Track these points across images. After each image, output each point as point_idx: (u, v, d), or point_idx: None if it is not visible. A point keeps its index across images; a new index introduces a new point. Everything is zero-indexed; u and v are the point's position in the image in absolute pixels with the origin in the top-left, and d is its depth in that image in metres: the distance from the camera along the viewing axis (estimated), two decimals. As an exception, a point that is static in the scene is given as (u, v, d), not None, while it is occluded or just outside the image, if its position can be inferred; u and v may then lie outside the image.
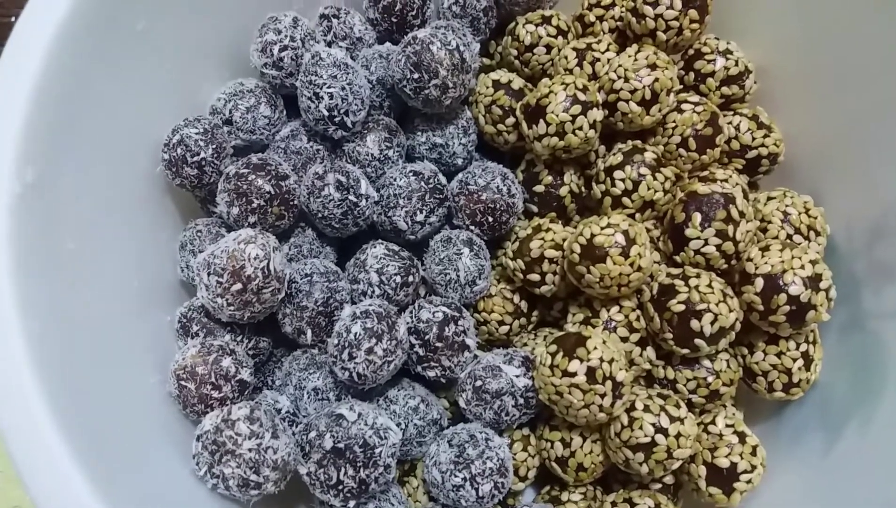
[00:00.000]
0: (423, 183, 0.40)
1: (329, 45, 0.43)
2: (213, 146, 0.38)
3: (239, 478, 0.32)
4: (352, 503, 0.34)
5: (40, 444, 0.27)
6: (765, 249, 0.37)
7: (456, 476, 0.35)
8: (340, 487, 0.33)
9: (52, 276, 0.31)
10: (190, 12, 0.38)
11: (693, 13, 0.40)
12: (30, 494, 0.27)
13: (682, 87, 0.42)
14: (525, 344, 0.41)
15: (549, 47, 0.43)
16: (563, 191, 0.41)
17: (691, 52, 0.42)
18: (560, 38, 0.43)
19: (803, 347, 0.37)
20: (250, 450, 0.32)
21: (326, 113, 0.39)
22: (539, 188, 0.41)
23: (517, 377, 0.37)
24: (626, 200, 0.39)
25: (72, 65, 0.32)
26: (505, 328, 0.41)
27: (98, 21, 0.33)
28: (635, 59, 0.39)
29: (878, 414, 0.35)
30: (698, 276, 0.36)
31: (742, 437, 0.37)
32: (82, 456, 0.27)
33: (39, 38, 0.31)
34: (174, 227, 0.41)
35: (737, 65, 0.41)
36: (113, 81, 0.35)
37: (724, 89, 0.42)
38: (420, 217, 0.40)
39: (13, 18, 0.55)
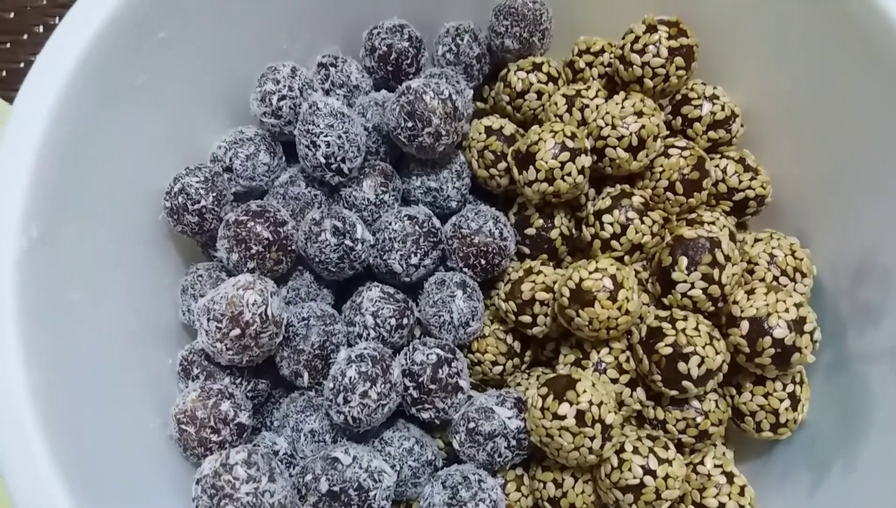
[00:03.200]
0: (417, 227, 0.41)
1: (327, 92, 0.44)
2: (214, 194, 0.39)
3: (237, 522, 0.33)
4: (347, 545, 0.34)
5: (45, 496, 0.28)
6: (750, 292, 0.37)
7: (449, 518, 0.36)
8: (336, 529, 0.34)
9: (56, 327, 0.32)
10: (189, 64, 0.40)
11: (679, 60, 0.41)
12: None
13: (669, 131, 0.43)
14: (518, 384, 0.42)
15: (539, 93, 0.44)
16: (554, 234, 0.42)
17: (678, 97, 0.43)
18: (550, 84, 0.44)
19: (790, 387, 0.38)
20: (248, 494, 0.33)
21: (324, 161, 0.40)
22: (530, 231, 0.42)
23: (509, 418, 0.38)
24: (614, 243, 0.40)
25: (75, 122, 0.33)
26: (499, 368, 0.42)
27: (99, 78, 0.34)
28: (622, 107, 0.40)
29: (862, 455, 0.35)
30: (685, 319, 0.37)
31: (730, 477, 0.37)
32: (85, 505, 0.28)
33: (44, 97, 0.33)
34: (175, 271, 0.42)
35: (723, 109, 0.42)
36: (114, 135, 0.36)
37: (711, 133, 0.43)
38: (415, 260, 0.41)
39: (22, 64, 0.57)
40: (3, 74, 0.59)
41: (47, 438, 0.29)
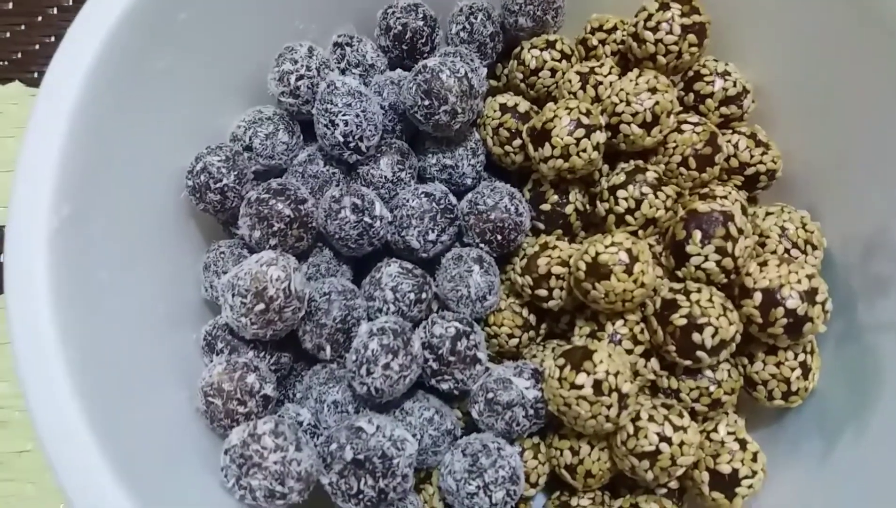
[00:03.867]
0: (434, 204, 0.42)
1: (343, 72, 0.45)
2: (235, 173, 0.40)
3: (265, 489, 0.34)
4: (371, 511, 0.35)
5: (84, 465, 0.29)
6: (763, 264, 0.38)
7: (470, 485, 0.37)
8: (361, 496, 0.35)
9: (86, 304, 0.32)
10: (208, 45, 0.40)
11: (692, 37, 0.41)
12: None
13: (682, 108, 0.44)
14: (534, 356, 0.43)
15: (553, 71, 0.45)
16: (569, 209, 0.43)
17: (691, 73, 0.44)
18: (564, 61, 0.45)
19: (801, 357, 0.39)
20: (275, 463, 0.34)
21: (342, 139, 0.41)
22: (545, 207, 0.43)
23: (527, 388, 0.39)
24: (629, 218, 0.41)
25: (101, 103, 0.34)
26: (514, 341, 0.43)
27: (124, 61, 0.35)
28: (636, 84, 0.41)
29: (873, 423, 0.36)
30: (699, 291, 0.38)
31: (743, 444, 0.38)
32: (122, 474, 0.29)
33: (71, 79, 0.33)
34: (198, 249, 0.42)
35: (735, 85, 0.43)
36: (138, 116, 0.37)
37: (723, 109, 0.43)
38: (432, 236, 0.42)
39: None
40: (19, 55, 0.59)
41: (84, 411, 0.30)
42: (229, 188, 0.40)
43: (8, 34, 0.59)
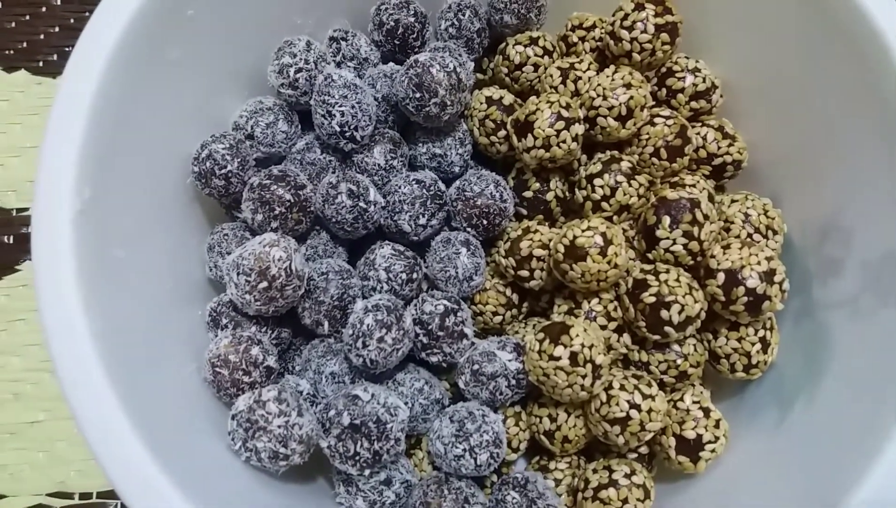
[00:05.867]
0: (424, 190, 0.44)
1: (338, 65, 0.48)
2: (239, 159, 0.43)
3: (270, 451, 0.37)
4: (367, 471, 0.38)
5: (111, 430, 0.32)
6: (726, 247, 0.41)
7: (457, 448, 0.40)
8: (357, 458, 0.38)
9: (107, 281, 0.35)
10: (214, 39, 0.43)
11: (665, 36, 0.44)
12: (102, 466, 0.31)
13: (655, 102, 0.47)
14: (517, 332, 0.46)
15: (536, 66, 0.48)
16: (550, 196, 0.46)
17: (663, 70, 0.47)
18: (546, 57, 0.48)
19: (761, 333, 0.42)
20: (279, 427, 0.37)
21: (338, 129, 0.44)
22: (528, 194, 0.46)
23: (510, 361, 0.42)
24: (604, 204, 0.44)
25: (118, 93, 0.36)
26: (499, 318, 0.46)
27: (139, 53, 0.38)
28: (612, 79, 0.44)
29: (822, 391, 0.39)
30: (668, 271, 0.41)
31: (707, 412, 0.42)
32: (144, 435, 0.32)
33: (90, 71, 0.36)
34: (203, 231, 0.45)
35: (704, 81, 0.46)
36: (151, 105, 0.39)
37: (693, 104, 0.46)
38: (422, 220, 0.45)
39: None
40: (24, 44, 0.61)
41: (107, 373, 0.32)
42: (233, 174, 0.43)
43: (13, 24, 0.61)
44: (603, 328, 0.42)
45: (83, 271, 0.34)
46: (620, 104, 0.43)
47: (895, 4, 0.37)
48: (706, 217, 0.41)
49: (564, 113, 0.43)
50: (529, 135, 0.43)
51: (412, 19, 0.47)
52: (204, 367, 0.40)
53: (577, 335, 0.39)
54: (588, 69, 0.46)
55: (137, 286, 0.38)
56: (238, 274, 0.39)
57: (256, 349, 0.40)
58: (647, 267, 0.42)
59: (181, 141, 0.43)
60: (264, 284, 0.39)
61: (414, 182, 0.45)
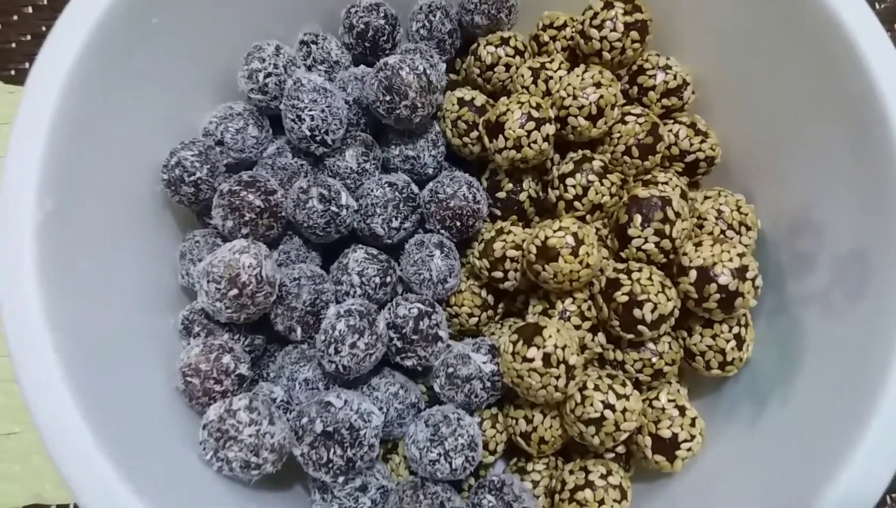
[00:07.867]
0: (397, 193, 0.44)
1: (309, 68, 0.48)
2: (208, 166, 0.43)
3: (241, 461, 0.37)
4: (341, 478, 0.38)
5: (74, 442, 0.31)
6: (698, 244, 0.41)
7: (432, 452, 0.40)
8: (330, 465, 0.37)
9: (72, 293, 0.35)
10: (180, 46, 0.43)
11: (634, 34, 0.44)
12: (67, 482, 0.31)
13: (626, 100, 0.47)
14: (493, 333, 0.46)
15: (507, 66, 0.47)
16: (523, 196, 0.46)
17: (634, 68, 0.47)
18: (517, 57, 0.48)
19: (736, 330, 0.42)
20: (250, 436, 0.37)
21: (309, 133, 0.43)
22: (501, 194, 0.46)
23: (484, 363, 0.42)
24: (577, 203, 0.44)
25: (81, 102, 0.36)
26: (474, 320, 0.46)
27: (102, 62, 0.37)
28: (582, 78, 0.44)
29: (796, 387, 0.39)
30: (640, 270, 0.41)
31: (682, 410, 0.42)
32: (109, 448, 0.32)
33: (53, 80, 0.35)
34: (174, 238, 0.45)
35: (675, 78, 0.46)
36: (116, 113, 0.39)
37: (665, 101, 0.46)
38: (395, 223, 0.44)
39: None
40: (-5, 54, 0.61)
41: (73, 390, 0.32)
42: (202, 181, 0.42)
43: (-16, 33, 0.61)
44: (577, 327, 0.42)
45: (46, 283, 0.33)
46: (590, 103, 0.43)
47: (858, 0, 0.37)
48: (678, 215, 0.41)
49: (535, 113, 0.43)
50: (500, 136, 0.43)
51: (382, 21, 0.47)
52: (175, 376, 0.40)
53: (550, 336, 0.39)
54: (559, 69, 0.46)
55: (106, 297, 0.38)
56: (208, 282, 0.39)
57: (228, 357, 0.40)
58: (620, 266, 0.42)
59: (150, 148, 0.43)
60: (234, 291, 0.39)
61: (386, 185, 0.44)
